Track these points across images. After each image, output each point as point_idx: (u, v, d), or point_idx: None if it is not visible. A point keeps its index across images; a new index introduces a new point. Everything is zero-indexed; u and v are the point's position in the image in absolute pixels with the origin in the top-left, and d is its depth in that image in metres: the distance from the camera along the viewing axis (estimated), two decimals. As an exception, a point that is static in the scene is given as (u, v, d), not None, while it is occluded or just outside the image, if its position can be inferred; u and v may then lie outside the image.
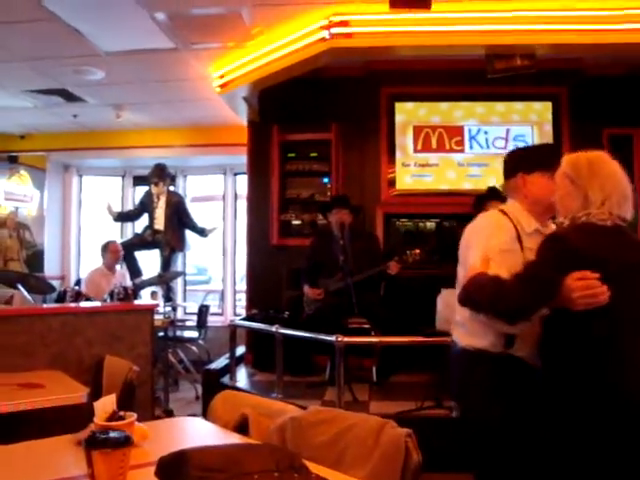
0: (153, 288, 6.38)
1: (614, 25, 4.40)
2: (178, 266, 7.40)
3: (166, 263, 6.75)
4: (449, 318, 3.91)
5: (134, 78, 5.83)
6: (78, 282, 6.63)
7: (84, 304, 4.41)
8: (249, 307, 5.91)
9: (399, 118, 5.76)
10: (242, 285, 7.34)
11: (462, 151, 5.74)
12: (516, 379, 2.03)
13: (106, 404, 1.59)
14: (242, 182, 7.60)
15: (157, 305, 4.94)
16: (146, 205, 6.93)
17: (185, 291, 8.27)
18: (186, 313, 7.66)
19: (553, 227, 2.16)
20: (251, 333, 5.50)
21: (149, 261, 7.14)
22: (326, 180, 5.81)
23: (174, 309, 6.24)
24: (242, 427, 1.89)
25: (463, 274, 2.14)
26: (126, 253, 6.36)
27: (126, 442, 1.37)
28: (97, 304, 4.54)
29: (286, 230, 5.82)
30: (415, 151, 5.75)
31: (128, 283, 5.81)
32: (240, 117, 6.39)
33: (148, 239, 6.83)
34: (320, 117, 5.71)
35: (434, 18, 4.40)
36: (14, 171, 7.71)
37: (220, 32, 4.78)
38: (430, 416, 3.81)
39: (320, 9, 4.47)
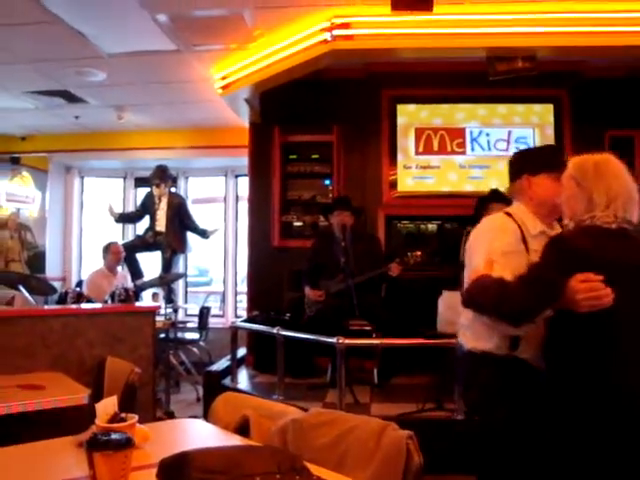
0: (154, 290, 6.38)
1: (615, 27, 4.40)
2: (179, 268, 7.40)
3: (167, 265, 6.75)
4: (450, 320, 3.94)
5: (136, 80, 5.84)
6: (79, 283, 6.63)
7: (85, 305, 4.41)
8: (250, 309, 5.91)
9: (401, 120, 5.76)
10: (243, 287, 7.34)
11: (464, 153, 5.74)
12: (521, 381, 2.03)
13: (107, 406, 1.59)
14: (243, 184, 7.60)
15: (159, 307, 4.94)
16: (147, 207, 6.94)
17: (186, 293, 8.28)
18: (187, 315, 7.66)
19: (559, 229, 2.15)
20: (252, 335, 5.50)
21: (150, 263, 7.13)
22: (327, 182, 5.82)
23: (175, 311, 6.24)
24: (243, 429, 1.88)
25: (468, 276, 2.14)
26: (127, 254, 6.37)
27: (127, 444, 1.37)
28: (98, 305, 4.54)
29: (287, 232, 5.83)
30: (417, 153, 5.75)
31: (129, 285, 5.81)
32: (242, 119, 6.39)
33: (149, 241, 6.83)
34: (321, 119, 5.71)
35: (435, 20, 4.40)
36: (16, 172, 7.72)
37: (222, 34, 4.79)
38: (431, 418, 3.80)
39: (322, 11, 4.47)
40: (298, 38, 4.76)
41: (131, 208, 8.03)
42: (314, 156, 5.86)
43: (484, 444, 2.12)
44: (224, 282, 8.08)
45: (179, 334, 6.49)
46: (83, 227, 8.46)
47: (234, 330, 5.02)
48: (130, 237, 7.81)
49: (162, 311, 5.50)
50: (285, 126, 5.79)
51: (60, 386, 2.86)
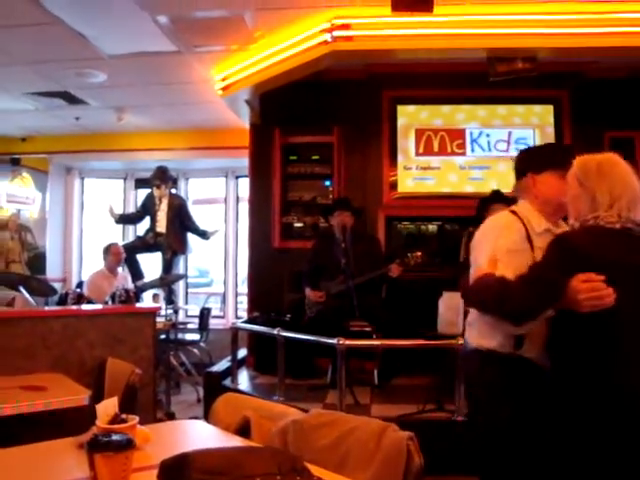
0: (155, 291, 6.39)
1: (615, 28, 4.41)
2: (180, 269, 7.41)
3: (168, 266, 6.75)
4: (451, 321, 3.95)
5: (136, 81, 5.84)
6: (80, 284, 6.64)
7: (86, 306, 4.41)
8: (251, 310, 5.91)
9: (401, 121, 5.76)
10: (244, 288, 7.34)
11: (464, 154, 5.74)
12: (525, 380, 2.03)
13: (108, 407, 1.59)
14: (244, 185, 7.60)
15: (159, 308, 4.95)
16: (148, 208, 6.94)
17: (187, 294, 8.28)
18: (188, 316, 7.67)
19: (565, 227, 2.15)
20: (253, 336, 5.50)
21: (151, 264, 7.14)
22: (328, 183, 5.82)
23: (176, 312, 6.24)
24: (244, 430, 1.88)
25: (472, 275, 2.14)
26: (128, 256, 6.37)
27: (128, 445, 1.37)
28: (99, 307, 4.54)
29: (288, 233, 5.83)
30: (417, 154, 5.75)
31: (130, 286, 5.82)
32: (242, 120, 6.40)
33: (150, 242, 6.83)
34: (322, 120, 5.71)
35: (436, 21, 4.40)
36: (16, 173, 7.72)
37: (223, 35, 4.80)
38: (432, 419, 3.80)
39: (322, 12, 4.48)
40: (298, 39, 4.76)
41: (131, 209, 8.03)
42: (314, 157, 5.86)
43: (487, 443, 2.11)
44: (224, 283, 8.08)
45: (180, 335, 6.49)
46: (83, 228, 8.46)
47: (234, 331, 5.02)
48: (130, 238, 7.81)
49: (162, 312, 5.49)
50: (285, 127, 5.79)
51: (61, 387, 2.86)
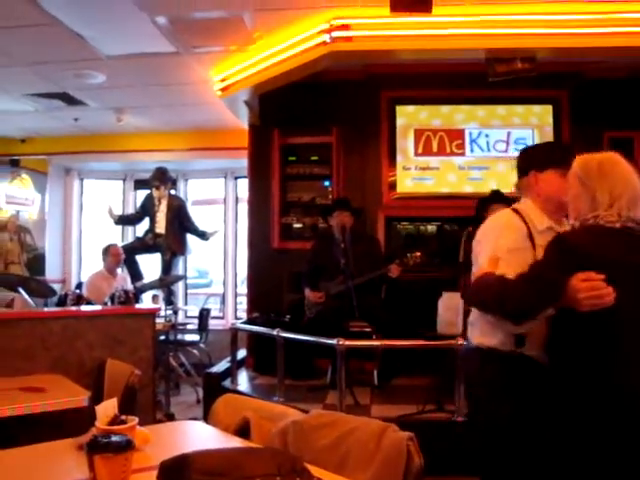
0: (154, 291, 6.38)
1: (614, 28, 4.41)
2: (179, 269, 7.41)
3: (167, 266, 6.75)
4: (450, 321, 3.95)
5: (135, 82, 5.84)
6: (79, 285, 6.63)
7: (85, 308, 4.41)
8: (250, 310, 5.91)
9: (400, 121, 5.77)
10: (243, 288, 7.34)
11: (463, 154, 5.74)
12: (526, 378, 2.03)
13: (107, 408, 1.59)
14: (243, 185, 7.60)
15: (159, 309, 4.94)
16: (147, 209, 6.94)
17: (186, 294, 8.28)
18: (187, 316, 7.67)
19: (567, 225, 2.14)
20: (252, 336, 5.50)
21: (150, 264, 7.14)
22: (327, 183, 5.82)
23: (175, 312, 6.24)
24: (243, 431, 1.88)
25: (474, 274, 2.15)
26: (127, 256, 6.36)
27: (128, 446, 1.37)
28: (98, 308, 4.54)
29: (287, 233, 5.83)
30: (416, 154, 5.75)
31: (129, 286, 5.81)
32: (241, 121, 6.40)
33: (149, 242, 6.83)
34: (321, 120, 5.71)
35: (435, 22, 4.40)
36: (15, 174, 7.72)
37: (222, 36, 4.79)
38: (432, 419, 3.80)
39: (321, 13, 4.48)
40: (297, 40, 4.76)
41: (131, 210, 8.03)
42: (313, 158, 5.86)
43: (488, 441, 2.11)
44: (224, 284, 8.08)
45: (179, 336, 6.49)
46: (83, 229, 8.46)
47: (234, 332, 5.02)
48: (130, 239, 7.81)
49: (162, 313, 5.50)
50: (284, 128, 5.79)
51: (60, 388, 2.86)
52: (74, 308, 4.39)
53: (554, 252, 1.88)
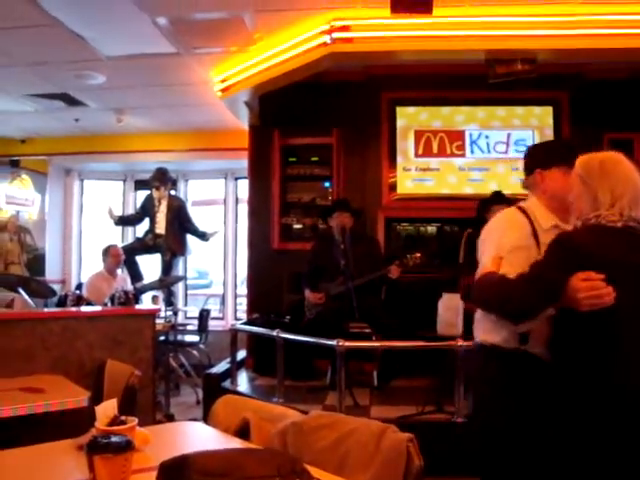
0: (154, 292, 6.38)
1: (615, 30, 4.41)
2: (179, 270, 7.40)
3: (167, 267, 6.75)
4: (450, 322, 3.95)
5: (136, 82, 5.84)
6: (79, 286, 6.63)
7: (85, 308, 4.41)
8: (250, 311, 5.91)
9: (400, 123, 5.77)
10: (243, 289, 7.34)
11: (463, 156, 5.74)
12: (529, 376, 2.03)
13: (107, 408, 1.59)
14: (243, 186, 7.60)
15: (159, 310, 4.94)
16: (147, 209, 6.94)
17: (186, 295, 8.27)
18: (187, 317, 7.66)
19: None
20: (252, 337, 5.50)
21: (150, 265, 7.13)
22: (327, 184, 5.82)
23: (175, 313, 6.23)
24: (243, 431, 1.88)
25: (477, 273, 2.16)
26: (127, 257, 6.36)
27: (127, 447, 1.37)
28: (98, 308, 4.54)
29: (287, 234, 5.83)
30: (416, 156, 5.75)
31: (129, 287, 5.81)
32: (241, 121, 6.40)
33: (149, 243, 6.83)
34: (321, 121, 5.71)
35: (435, 23, 4.41)
36: (15, 175, 7.72)
37: (222, 37, 4.80)
38: (431, 421, 3.80)
39: (321, 14, 4.48)
40: (298, 41, 4.77)
41: (131, 211, 8.03)
42: (314, 159, 5.86)
43: (491, 439, 2.11)
44: (224, 284, 8.08)
45: (179, 337, 6.49)
46: (83, 230, 8.45)
47: (234, 333, 5.02)
48: (130, 240, 7.80)
49: (162, 314, 5.50)
50: (285, 129, 5.79)
51: (60, 389, 2.86)
52: (74, 309, 4.39)
53: (555, 252, 1.88)
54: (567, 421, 1.89)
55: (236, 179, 8.08)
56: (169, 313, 5.82)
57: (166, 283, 6.23)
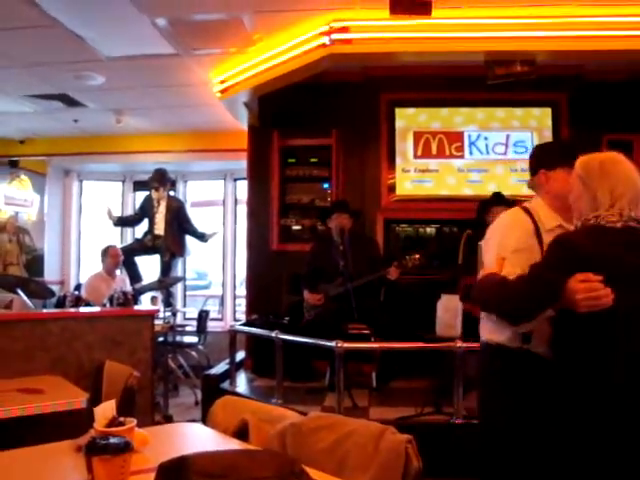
0: (153, 293, 6.38)
1: (613, 31, 4.42)
2: (178, 271, 7.40)
3: (166, 268, 6.75)
4: (449, 323, 3.95)
5: (135, 83, 5.84)
6: (78, 287, 6.63)
7: (84, 309, 4.40)
8: (249, 312, 5.90)
9: (399, 124, 5.77)
10: (242, 290, 7.34)
11: (462, 157, 5.74)
12: (533, 375, 2.03)
13: (106, 410, 1.59)
14: (242, 187, 7.60)
15: (157, 310, 4.94)
16: (146, 210, 6.94)
17: (185, 296, 8.27)
18: (186, 318, 7.66)
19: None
20: (251, 338, 5.49)
21: (149, 266, 7.13)
22: (326, 185, 5.82)
23: (174, 314, 6.23)
24: (242, 433, 1.88)
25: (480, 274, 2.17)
26: (126, 258, 6.36)
27: (126, 448, 1.37)
28: (97, 309, 4.53)
29: (286, 235, 5.82)
30: (415, 157, 5.75)
31: (128, 288, 5.80)
32: (240, 122, 6.40)
33: (148, 244, 6.83)
34: (320, 123, 5.72)
35: (434, 24, 4.41)
36: (14, 176, 7.71)
37: (221, 38, 4.80)
38: (430, 422, 3.80)
39: (320, 15, 4.49)
40: (297, 42, 4.77)
41: (130, 212, 8.03)
42: (313, 160, 5.86)
43: (492, 439, 2.12)
44: (223, 285, 8.08)
45: (178, 338, 6.49)
46: (82, 230, 8.45)
47: (233, 334, 5.01)
48: (129, 240, 7.80)
49: (161, 315, 5.49)
50: (284, 130, 5.79)
51: (59, 390, 2.86)
52: (73, 309, 4.39)
53: (554, 253, 1.89)
54: (568, 419, 1.90)
55: (235, 180, 8.08)
56: (168, 314, 5.81)
57: (165, 284, 6.23)
